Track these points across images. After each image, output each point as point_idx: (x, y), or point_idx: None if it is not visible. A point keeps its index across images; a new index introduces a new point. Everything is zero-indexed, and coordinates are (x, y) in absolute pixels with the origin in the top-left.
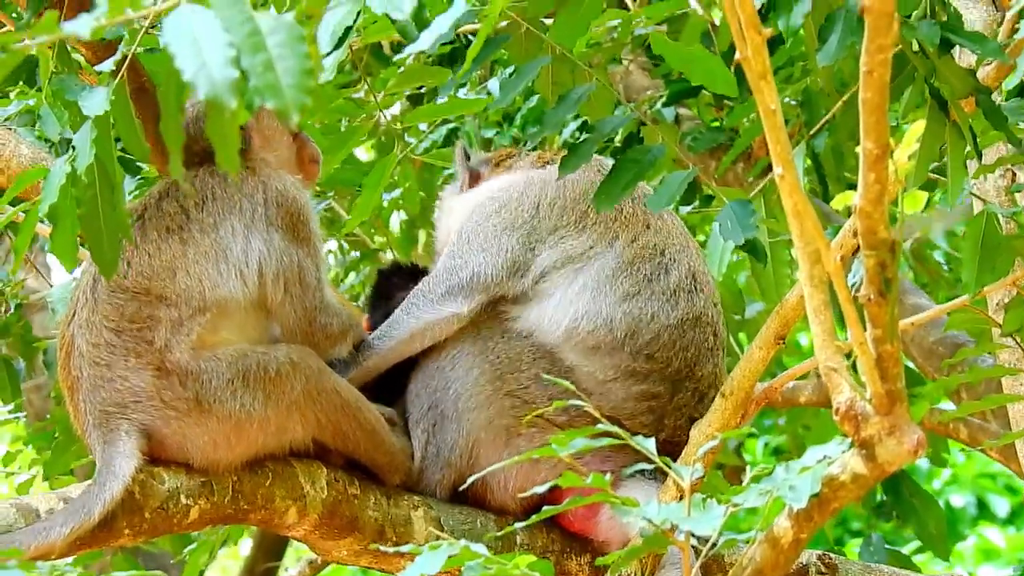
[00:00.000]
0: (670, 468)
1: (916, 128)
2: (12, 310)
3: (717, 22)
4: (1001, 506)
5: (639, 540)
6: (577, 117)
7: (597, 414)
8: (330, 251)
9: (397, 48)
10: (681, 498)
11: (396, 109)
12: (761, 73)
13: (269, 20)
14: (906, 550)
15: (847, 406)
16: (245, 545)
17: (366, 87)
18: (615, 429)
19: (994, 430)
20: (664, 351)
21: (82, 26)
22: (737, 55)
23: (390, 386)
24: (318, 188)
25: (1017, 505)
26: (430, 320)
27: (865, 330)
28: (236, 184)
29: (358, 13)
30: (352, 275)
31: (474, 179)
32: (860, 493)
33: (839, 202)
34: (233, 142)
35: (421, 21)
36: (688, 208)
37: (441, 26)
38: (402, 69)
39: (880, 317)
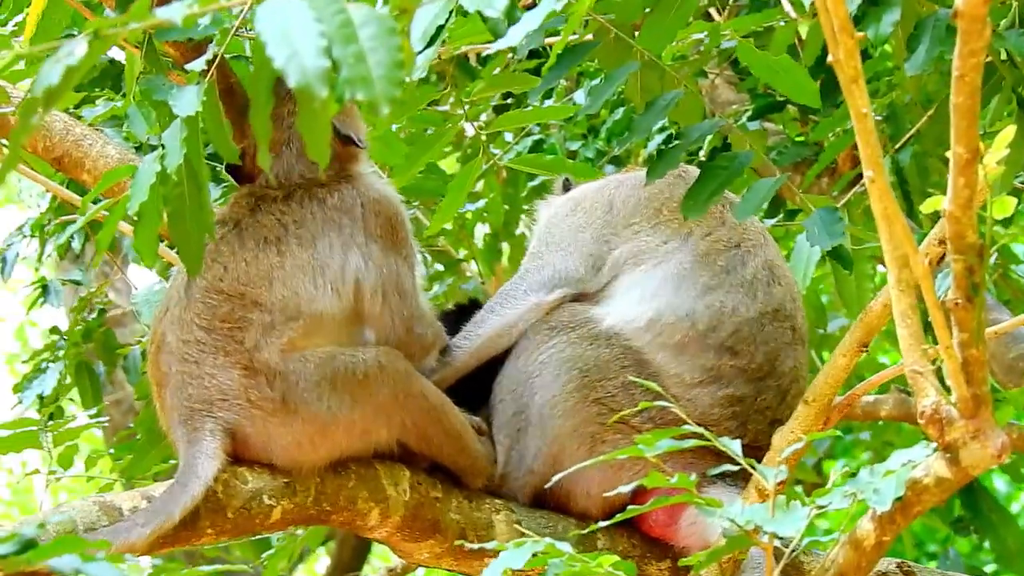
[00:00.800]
0: (755, 470)
1: (1006, 133)
2: (96, 315)
3: (803, 36)
4: None
5: (721, 543)
6: (663, 130)
7: (683, 414)
8: None
9: (483, 61)
10: (764, 501)
11: (481, 121)
12: (853, 77)
13: (361, 12)
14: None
15: (932, 409)
16: (322, 564)
17: (452, 100)
18: (700, 430)
19: None
20: (746, 345)
21: (175, 12)
22: (829, 58)
23: (475, 392)
24: (401, 197)
25: None
26: (514, 315)
27: (951, 334)
28: (335, 204)
29: (451, 12)
30: (436, 286)
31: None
32: (943, 497)
33: (928, 207)
34: (324, 133)
35: (513, 22)
36: (772, 221)
37: (530, 23)
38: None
39: (967, 321)
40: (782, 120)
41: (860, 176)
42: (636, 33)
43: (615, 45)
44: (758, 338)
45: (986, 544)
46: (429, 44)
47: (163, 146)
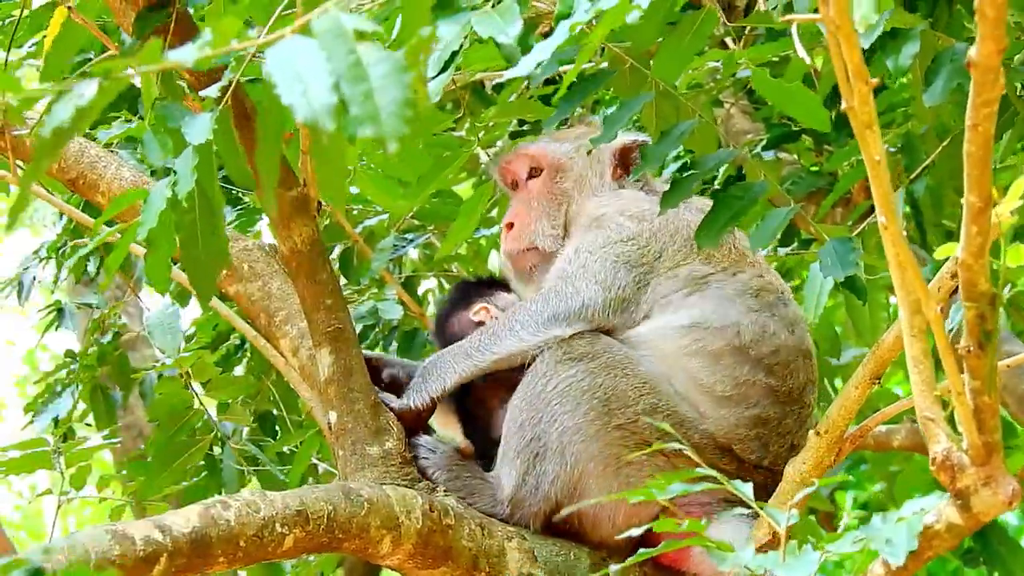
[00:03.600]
0: (766, 513)
1: (1021, 183)
2: (110, 338)
3: (818, 66)
4: None
5: (733, 572)
6: (676, 159)
7: (696, 458)
8: (429, 290)
9: (498, 89)
10: (775, 538)
11: (496, 147)
12: (867, 123)
13: (373, 52)
14: None
15: (944, 456)
16: None
17: (467, 126)
18: (713, 473)
19: None
20: (782, 368)
21: (186, 56)
22: (843, 104)
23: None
24: (416, 222)
25: None
26: (532, 343)
27: (963, 381)
28: None
29: (464, 37)
30: None
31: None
32: (954, 543)
33: (941, 253)
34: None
35: (527, 50)
36: (785, 250)
37: (542, 52)
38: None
39: (979, 369)
40: (797, 150)
41: (875, 207)
42: (651, 62)
43: (630, 74)
44: (792, 366)
45: None
46: (443, 69)
47: (174, 172)
